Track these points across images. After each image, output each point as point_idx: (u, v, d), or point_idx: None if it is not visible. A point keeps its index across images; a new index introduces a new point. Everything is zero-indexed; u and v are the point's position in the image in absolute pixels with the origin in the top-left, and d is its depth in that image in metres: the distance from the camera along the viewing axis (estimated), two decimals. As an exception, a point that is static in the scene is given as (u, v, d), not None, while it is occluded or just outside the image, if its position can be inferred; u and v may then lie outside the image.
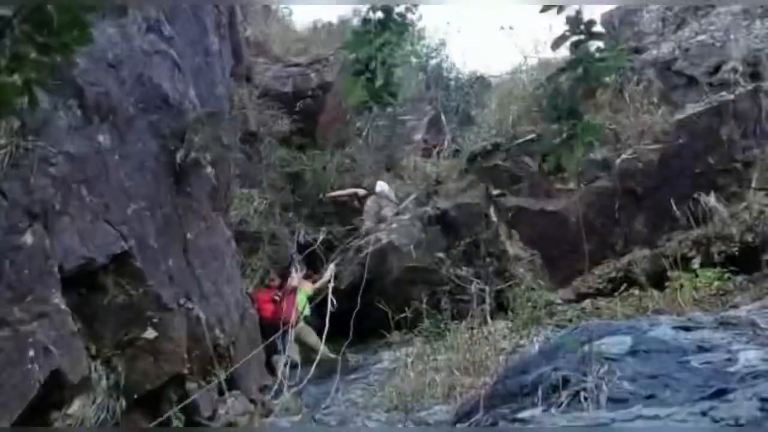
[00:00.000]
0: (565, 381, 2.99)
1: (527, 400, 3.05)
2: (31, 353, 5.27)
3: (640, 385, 2.88)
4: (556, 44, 3.20)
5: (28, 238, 5.55)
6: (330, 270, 12.12)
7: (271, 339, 9.93)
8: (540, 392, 3.00)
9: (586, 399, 2.77)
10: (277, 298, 11.12)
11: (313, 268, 12.77)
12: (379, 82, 3.54)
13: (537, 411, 2.82)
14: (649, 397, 2.72)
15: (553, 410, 2.77)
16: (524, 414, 2.72)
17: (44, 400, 5.43)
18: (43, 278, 5.58)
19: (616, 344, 3.43)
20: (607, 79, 3.05)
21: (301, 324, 11.18)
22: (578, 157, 3.00)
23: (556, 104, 2.97)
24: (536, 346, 8.10)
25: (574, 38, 3.06)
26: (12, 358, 5.14)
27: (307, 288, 11.68)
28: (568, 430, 2.28)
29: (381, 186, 13.99)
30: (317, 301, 11.54)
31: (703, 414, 2.21)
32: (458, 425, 2.86)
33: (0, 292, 5.24)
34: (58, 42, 2.26)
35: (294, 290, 11.41)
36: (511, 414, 2.82)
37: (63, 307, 5.71)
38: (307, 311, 11.39)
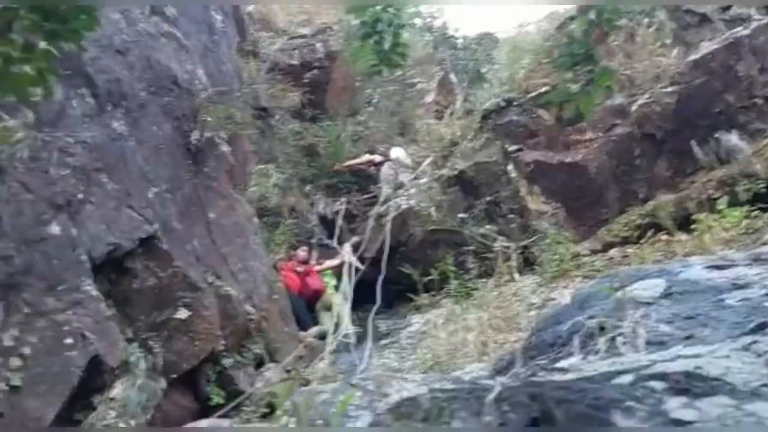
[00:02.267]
0: (601, 328, 2.99)
1: (564, 349, 3.06)
2: (69, 341, 5.35)
3: (677, 327, 2.88)
4: (569, -8, 3.17)
5: (55, 229, 5.62)
6: (347, 246, 12.14)
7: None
8: (576, 341, 3.01)
9: (624, 344, 2.77)
10: (299, 270, 11.18)
11: (334, 238, 12.79)
12: (387, 44, 3.52)
13: (575, 359, 2.83)
14: (688, 337, 2.72)
15: (590, 357, 2.77)
16: (563, 363, 2.73)
17: (86, 386, 5.52)
18: (73, 267, 5.64)
19: (649, 288, 3.43)
20: (619, 22, 3.01)
21: (330, 291, 11.28)
22: (596, 102, 2.97)
23: (570, 51, 2.93)
24: (567, 299, 8.13)
25: (585, -18, 3.02)
26: (51, 346, 5.23)
27: (327, 264, 11.75)
28: None
29: (396, 152, 13.94)
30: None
31: (745, 349, 2.21)
32: (497, 378, 2.87)
33: (32, 284, 5.31)
34: (66, 29, 2.26)
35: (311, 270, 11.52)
36: (549, 364, 2.82)
37: (95, 293, 5.78)
38: (333, 281, 11.47)
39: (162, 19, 8.07)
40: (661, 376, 1.94)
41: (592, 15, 2.91)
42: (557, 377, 2.19)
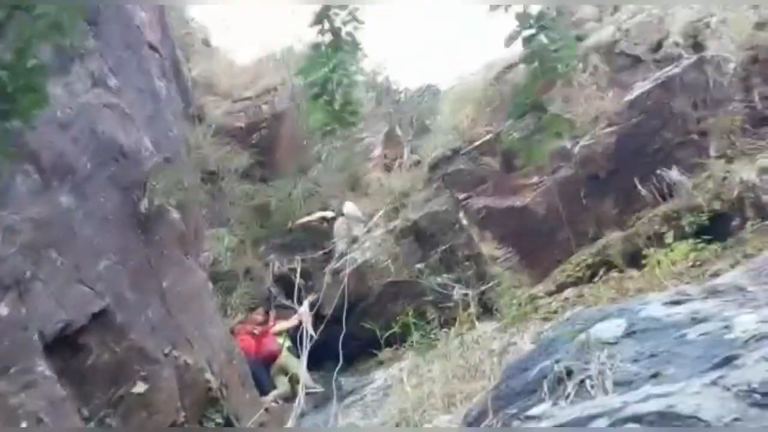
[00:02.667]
0: (569, 372, 2.99)
1: (534, 396, 3.04)
2: (24, 424, 5.17)
3: (643, 365, 2.89)
4: (509, 41, 3.22)
5: (3, 310, 5.48)
6: (304, 306, 12.09)
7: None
8: (545, 386, 2.99)
9: (592, 387, 2.76)
10: (255, 332, 11.06)
11: (292, 298, 12.69)
12: (338, 104, 3.54)
13: (546, 406, 2.81)
14: (654, 375, 2.73)
15: (561, 402, 2.76)
16: (534, 411, 2.71)
17: (43, 471, 5.32)
18: (24, 347, 5.49)
19: (610, 328, 3.44)
20: (562, 69, 3.07)
21: (285, 353, 11.17)
22: (548, 149, 3.02)
23: (519, 101, 2.98)
24: (528, 342, 8.14)
25: (526, 33, 3.08)
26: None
27: (283, 325, 11.67)
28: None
29: (348, 207, 13.96)
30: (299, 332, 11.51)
31: (714, 383, 2.22)
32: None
33: (-18, 368, 5.15)
34: (15, 108, 2.22)
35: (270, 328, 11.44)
36: (521, 412, 2.80)
37: (48, 373, 5.61)
38: (287, 342, 11.38)
39: (104, 90, 8.00)
40: (636, 418, 1.93)
41: (536, 63, 2.97)
42: (532, 425, 2.16)
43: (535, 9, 3.04)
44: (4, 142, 2.29)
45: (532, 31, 3.04)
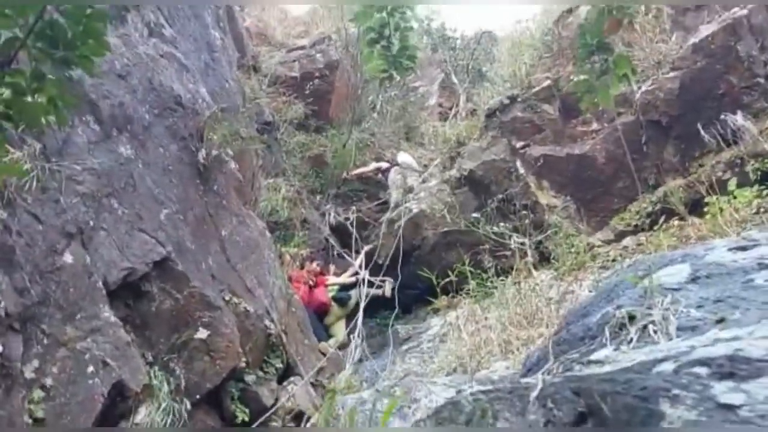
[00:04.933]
0: (631, 317, 2.93)
1: (595, 341, 3.00)
2: (91, 369, 5.32)
3: (708, 311, 2.82)
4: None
5: (68, 258, 5.59)
6: (358, 261, 12.16)
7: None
8: (607, 332, 2.95)
9: (655, 332, 2.71)
10: (311, 283, 11.16)
11: (348, 247, 12.78)
12: (395, 49, 3.48)
13: (608, 350, 2.77)
14: (720, 321, 2.66)
15: (624, 347, 2.72)
16: (596, 355, 2.67)
17: (111, 412, 5.49)
18: (89, 294, 5.61)
19: (674, 274, 3.37)
20: (630, 7, 2.94)
21: (335, 306, 11.31)
22: (614, 91, 2.93)
23: (585, 42, 2.88)
24: (585, 290, 8.07)
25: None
26: (73, 376, 5.20)
27: (338, 280, 11.77)
28: None
29: (402, 156, 13.96)
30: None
31: (783, 327, 2.16)
32: (527, 377, 2.81)
33: (50, 314, 5.28)
34: (75, 55, 2.23)
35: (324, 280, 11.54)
36: (582, 357, 2.77)
37: (113, 319, 5.75)
38: (336, 293, 11.50)
39: (161, 40, 8.06)
40: (704, 362, 1.88)
41: (602, 3, 2.87)
42: (596, 370, 2.13)
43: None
44: (66, 91, 2.29)
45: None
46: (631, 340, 2.72)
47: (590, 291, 8.13)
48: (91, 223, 5.97)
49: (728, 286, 3.05)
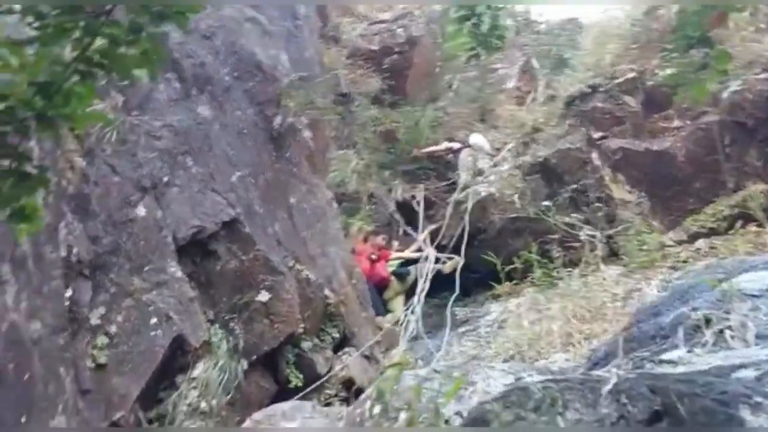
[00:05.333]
0: (707, 320, 2.85)
1: (667, 342, 2.92)
2: (154, 320, 5.45)
3: (789, 321, 2.72)
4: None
5: (141, 211, 5.72)
6: (421, 238, 12.11)
7: None
8: (681, 333, 2.86)
9: (732, 337, 2.62)
10: (373, 257, 11.16)
11: (413, 225, 12.74)
12: (485, 27, 3.42)
13: (681, 351, 2.69)
14: (799, 333, 2.57)
15: (697, 350, 2.64)
16: (668, 355, 2.60)
17: (170, 365, 5.61)
18: (158, 248, 5.74)
19: (755, 280, 3.25)
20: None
21: (395, 281, 11.31)
22: (711, 86, 2.81)
23: (685, 34, 2.77)
24: (654, 289, 7.90)
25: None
26: (137, 326, 5.33)
27: (402, 255, 11.75)
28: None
29: (475, 138, 13.80)
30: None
31: None
32: (595, 370, 2.75)
33: (119, 264, 5.42)
34: (171, 10, 2.24)
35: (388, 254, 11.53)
36: (653, 356, 2.70)
37: (180, 275, 5.87)
38: (396, 268, 11.49)
39: (246, 4, 8.12)
40: (783, 373, 1.81)
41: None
42: (671, 370, 2.07)
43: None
44: (159, 45, 2.32)
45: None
46: (706, 343, 2.64)
47: (659, 291, 7.96)
48: (166, 179, 6.09)
49: (811, 299, 2.93)
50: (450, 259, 11.53)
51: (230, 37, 7.52)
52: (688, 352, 2.64)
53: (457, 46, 3.57)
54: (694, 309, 3.01)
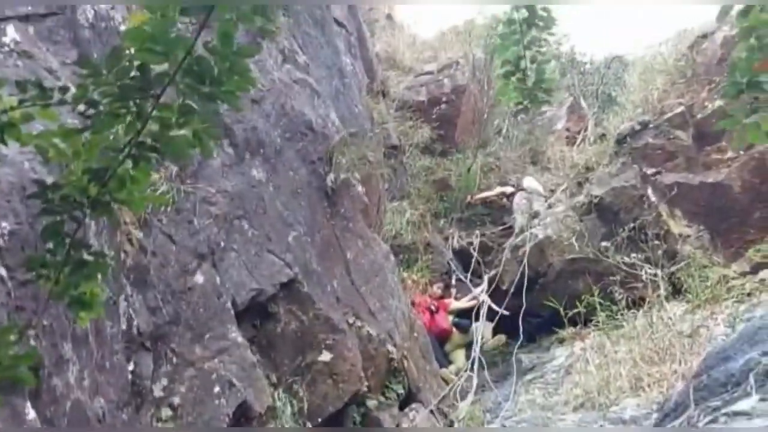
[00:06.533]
0: (778, 365, 2.73)
1: (738, 389, 2.80)
2: (217, 389, 5.43)
3: None
4: (723, 14, 2.95)
5: (199, 278, 5.76)
6: (480, 288, 11.99)
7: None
8: (752, 379, 2.74)
9: (808, 386, 2.51)
10: (433, 308, 11.07)
11: (472, 272, 12.64)
12: (531, 81, 3.42)
13: (753, 401, 2.58)
14: None
15: (772, 398, 2.52)
16: (740, 406, 2.49)
17: (235, 433, 5.58)
18: (218, 315, 5.76)
19: (828, 319, 3.13)
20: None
21: (456, 333, 11.18)
22: (766, 128, 2.74)
23: (734, 79, 2.72)
24: (721, 325, 7.67)
25: (742, 5, 2.80)
26: (200, 395, 5.32)
27: (459, 305, 11.64)
28: None
29: (528, 181, 13.76)
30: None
31: None
32: (667, 422, 2.64)
33: (180, 333, 5.44)
34: (221, 90, 2.28)
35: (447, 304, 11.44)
36: (725, 406, 2.59)
37: (240, 340, 5.87)
38: (456, 319, 11.38)
39: (294, 66, 8.26)
40: None
41: (752, 40, 2.70)
42: (744, 423, 1.98)
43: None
44: (211, 124, 2.36)
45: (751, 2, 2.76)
46: (781, 391, 2.52)
47: (726, 326, 7.73)
48: (222, 244, 6.14)
49: None
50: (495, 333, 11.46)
51: (280, 100, 7.64)
52: (761, 400, 2.52)
53: (506, 100, 3.57)
54: (765, 353, 2.88)
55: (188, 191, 6.11)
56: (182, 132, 2.25)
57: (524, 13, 3.41)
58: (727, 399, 2.74)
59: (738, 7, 2.85)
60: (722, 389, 2.94)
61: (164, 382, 5.15)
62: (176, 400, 5.18)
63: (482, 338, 10.86)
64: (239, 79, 2.25)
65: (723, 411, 2.48)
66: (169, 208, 5.79)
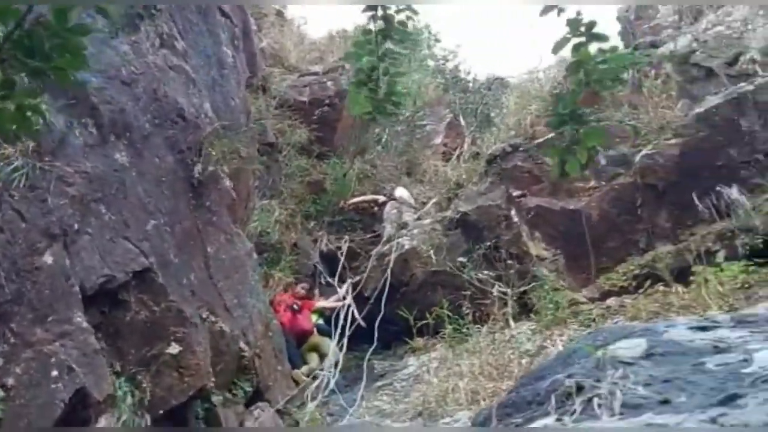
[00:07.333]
0: (579, 388, 2.95)
1: (541, 408, 3.01)
2: (55, 373, 5.30)
3: (654, 390, 2.83)
4: (557, 47, 3.15)
5: (48, 259, 5.60)
6: (344, 289, 12.14)
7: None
8: (553, 400, 2.96)
9: (599, 406, 2.73)
10: (295, 307, 11.05)
11: (336, 276, 12.77)
12: (382, 93, 3.52)
13: (550, 420, 2.78)
14: (664, 402, 2.68)
15: (566, 419, 2.73)
16: (537, 424, 2.68)
17: (71, 419, 5.45)
18: (64, 298, 5.61)
19: (631, 347, 3.38)
20: (609, 84, 2.97)
21: (316, 334, 11.20)
22: (582, 163, 2.96)
23: (557, 111, 2.93)
24: (560, 347, 8.07)
25: (575, 40, 3.01)
26: (36, 378, 5.18)
27: (323, 304, 11.74)
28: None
29: (400, 192, 14.02)
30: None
31: (713, 421, 2.17)
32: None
33: (22, 313, 5.29)
34: (49, 66, 2.25)
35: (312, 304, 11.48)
36: (524, 423, 2.78)
37: (85, 325, 5.74)
38: (319, 320, 11.46)
39: (172, 52, 8.12)
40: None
41: (581, 75, 2.91)
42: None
43: (587, 16, 2.98)
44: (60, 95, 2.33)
45: (582, 39, 2.97)
46: (574, 411, 2.74)
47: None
48: (76, 226, 5.98)
49: (680, 367, 3.07)
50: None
51: (152, 84, 7.49)
52: (557, 420, 2.73)
53: (356, 110, 3.66)
54: (570, 376, 3.11)
55: (45, 169, 5.93)
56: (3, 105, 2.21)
57: (381, 24, 3.51)
58: (528, 417, 2.94)
59: (574, 40, 3.05)
60: (527, 407, 3.15)
61: None
62: (10, 381, 5.03)
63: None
64: (71, 58, 2.23)
65: (521, 427, 2.66)
66: (22, 184, 5.61)
